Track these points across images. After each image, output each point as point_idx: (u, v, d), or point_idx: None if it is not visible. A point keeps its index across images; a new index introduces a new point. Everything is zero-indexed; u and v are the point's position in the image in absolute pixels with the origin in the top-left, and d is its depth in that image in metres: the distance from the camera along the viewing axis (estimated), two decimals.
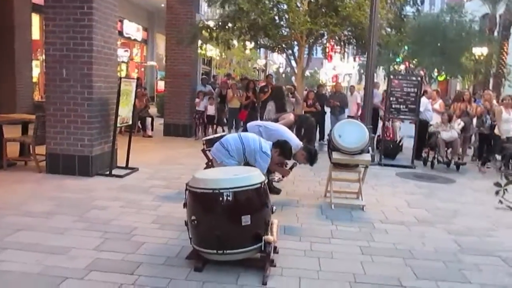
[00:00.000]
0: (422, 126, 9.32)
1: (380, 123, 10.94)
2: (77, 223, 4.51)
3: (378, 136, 10.68)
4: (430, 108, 9.97)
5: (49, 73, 6.54)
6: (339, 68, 53.85)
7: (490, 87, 21.29)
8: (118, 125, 6.84)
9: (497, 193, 2.10)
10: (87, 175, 6.46)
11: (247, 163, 4.58)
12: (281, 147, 4.67)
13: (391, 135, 10.41)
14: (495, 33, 22.94)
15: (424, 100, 9.91)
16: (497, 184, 2.11)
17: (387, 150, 9.69)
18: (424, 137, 9.25)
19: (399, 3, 11.17)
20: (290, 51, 11.97)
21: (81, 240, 4.05)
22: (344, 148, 5.47)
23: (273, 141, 4.81)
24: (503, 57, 21.26)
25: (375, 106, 11.07)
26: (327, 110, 11.82)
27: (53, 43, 6.43)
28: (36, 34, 13.82)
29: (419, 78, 9.59)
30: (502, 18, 22.04)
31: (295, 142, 5.32)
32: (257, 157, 4.48)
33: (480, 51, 21.28)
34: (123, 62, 19.56)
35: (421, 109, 9.61)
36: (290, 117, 6.81)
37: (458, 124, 9.42)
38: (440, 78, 26.66)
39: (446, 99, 22.26)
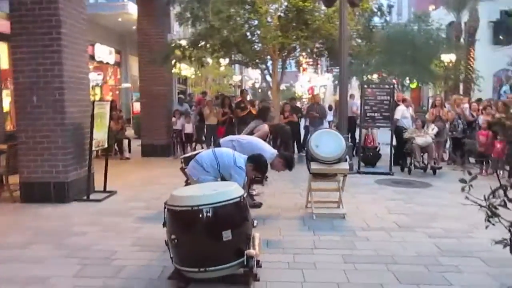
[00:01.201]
0: (400, 133, 9.54)
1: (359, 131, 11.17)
2: (55, 251, 4.41)
3: (357, 143, 10.82)
4: (408, 115, 10.20)
5: (19, 101, 6.43)
6: (314, 80, 54.52)
7: (461, 92, 21.88)
8: (94, 148, 6.76)
9: (463, 189, 2.15)
10: (64, 201, 6.33)
11: (223, 179, 4.57)
12: (256, 162, 4.59)
13: (372, 142, 10.57)
14: (462, 40, 23.67)
15: (401, 107, 10.19)
16: (462, 180, 2.16)
17: (367, 158, 9.84)
18: (403, 143, 9.43)
19: (367, 14, 11.44)
20: (264, 66, 12.10)
21: (60, 268, 3.95)
22: (322, 158, 5.52)
23: (247, 154, 4.81)
24: (471, 63, 21.92)
25: (354, 114, 11.33)
26: (305, 121, 11.97)
27: (22, 70, 6.33)
28: (4, 63, 13.58)
29: (391, 86, 9.80)
30: (467, 25, 22.77)
31: (269, 152, 5.33)
32: (232, 172, 4.45)
33: (448, 57, 21.88)
34: (97, 85, 19.37)
35: (398, 116, 9.84)
36: (265, 128, 6.83)
37: (432, 129, 9.62)
38: (412, 86, 27.26)
39: (420, 106, 22.82)
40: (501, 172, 8.46)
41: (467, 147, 8.45)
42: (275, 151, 5.41)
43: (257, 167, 4.60)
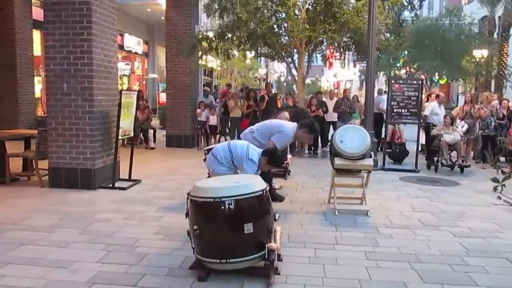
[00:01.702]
0: (429, 130, 9.38)
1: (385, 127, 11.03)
2: (80, 236, 4.50)
3: (383, 139, 10.65)
4: (439, 112, 9.82)
5: (50, 88, 6.57)
6: (340, 75, 53.91)
7: (492, 89, 21.26)
8: (120, 137, 6.85)
9: (495, 189, 2.08)
10: (90, 188, 6.47)
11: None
12: (270, 155, 4.55)
13: (399, 139, 10.56)
14: (495, 35, 22.95)
15: (432, 103, 9.97)
16: (495, 180, 2.09)
17: (394, 154, 9.71)
18: (431, 141, 9.24)
19: (397, 8, 11.19)
20: (290, 59, 12.02)
21: (84, 253, 4.03)
22: (346, 154, 5.44)
23: (269, 138, 4.79)
24: (504, 59, 21.24)
25: (381, 110, 11.11)
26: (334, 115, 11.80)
27: (54, 58, 6.47)
28: (37, 50, 13.92)
29: (419, 82, 9.58)
30: (501, 19, 22.05)
31: (290, 126, 5.31)
32: (244, 165, 4.45)
33: (480, 53, 21.28)
34: (124, 75, 19.68)
35: (427, 112, 9.65)
36: (285, 114, 6.76)
37: (462, 126, 9.39)
38: (442, 82, 26.65)
39: (449, 102, 22.30)
40: None
41: (500, 145, 8.21)
42: (295, 124, 5.36)
43: (271, 161, 4.54)
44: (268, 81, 22.16)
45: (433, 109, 9.82)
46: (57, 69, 6.46)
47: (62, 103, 6.48)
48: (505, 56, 21.12)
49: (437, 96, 10.39)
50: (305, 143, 5.38)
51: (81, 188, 6.46)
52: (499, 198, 2.03)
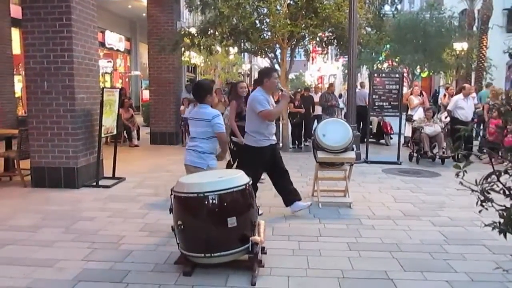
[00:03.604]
0: (454, 124, 8.73)
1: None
2: (64, 235, 4.49)
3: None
4: (464, 106, 9.29)
5: (30, 87, 6.50)
6: (324, 70, 54.15)
7: (472, 81, 21.62)
8: (103, 135, 6.83)
9: (457, 175, 2.17)
10: (73, 187, 6.43)
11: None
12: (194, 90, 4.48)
13: (391, 129, 11.14)
14: (474, 28, 23.31)
15: (456, 97, 9.54)
16: (456, 166, 2.18)
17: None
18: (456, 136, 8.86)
19: (377, 3, 11.29)
20: (272, 55, 12.04)
21: (69, 251, 4.03)
22: (329, 147, 5.52)
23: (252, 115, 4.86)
24: (483, 51, 21.57)
25: (366, 104, 11.26)
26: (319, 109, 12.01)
27: (33, 56, 6.40)
28: (16, 48, 13.71)
29: (398, 75, 9.71)
30: (480, 13, 22.37)
31: (253, 93, 5.15)
32: (214, 122, 4.23)
33: (460, 46, 21.58)
34: (106, 73, 19.49)
35: (451, 107, 9.40)
36: (232, 105, 6.30)
37: (445, 117, 9.56)
38: (423, 75, 26.99)
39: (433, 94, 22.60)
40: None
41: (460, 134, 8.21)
42: (258, 93, 5.02)
43: (203, 92, 4.38)
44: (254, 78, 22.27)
45: (456, 102, 9.33)
46: (37, 68, 6.40)
47: (43, 102, 6.42)
48: (485, 49, 21.46)
49: (463, 88, 9.75)
50: (275, 90, 5.24)
51: (64, 187, 6.42)
52: (461, 183, 2.13)
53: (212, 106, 4.53)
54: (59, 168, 6.46)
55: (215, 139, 4.33)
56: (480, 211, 2.27)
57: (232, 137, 6.10)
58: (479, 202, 2.20)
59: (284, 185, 5.24)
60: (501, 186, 2.12)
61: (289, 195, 5.21)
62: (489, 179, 2.11)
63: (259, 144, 4.94)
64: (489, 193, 2.14)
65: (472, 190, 2.20)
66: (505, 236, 2.17)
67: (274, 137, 5.13)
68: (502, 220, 2.17)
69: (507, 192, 2.10)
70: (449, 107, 9.58)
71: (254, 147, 4.96)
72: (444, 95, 10.43)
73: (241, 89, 6.39)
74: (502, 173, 2.15)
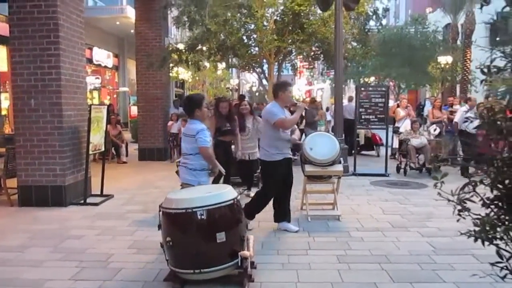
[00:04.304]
0: (461, 137, 8.80)
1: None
2: (52, 254, 4.44)
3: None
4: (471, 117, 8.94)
5: (17, 104, 6.47)
6: (312, 84, 54.57)
7: (457, 94, 22.00)
8: (91, 152, 6.80)
9: (435, 186, 2.22)
10: (61, 205, 6.37)
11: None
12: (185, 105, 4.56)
13: (379, 140, 11.59)
14: (458, 42, 23.81)
15: (463, 108, 9.43)
16: (435, 178, 2.24)
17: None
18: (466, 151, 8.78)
19: (362, 18, 11.52)
20: (260, 70, 12.17)
21: (57, 271, 3.98)
22: (316, 161, 5.55)
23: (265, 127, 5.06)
24: (467, 64, 22.01)
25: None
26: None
27: (21, 73, 6.38)
28: (3, 66, 13.62)
29: (385, 89, 9.86)
30: (463, 27, 22.89)
31: (267, 107, 5.38)
32: (197, 137, 4.22)
33: (445, 59, 22.02)
34: (95, 89, 19.43)
35: (458, 119, 9.16)
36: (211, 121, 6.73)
37: (434, 129, 9.69)
38: (410, 88, 27.40)
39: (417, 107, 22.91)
40: None
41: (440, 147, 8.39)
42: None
43: (191, 106, 4.39)
44: (241, 92, 22.44)
45: (463, 114, 8.98)
46: (24, 85, 6.37)
47: (30, 120, 6.38)
48: (469, 62, 21.90)
49: (468, 100, 9.64)
50: (289, 103, 5.46)
51: (52, 205, 6.35)
52: (439, 194, 2.20)
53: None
54: (47, 186, 6.40)
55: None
56: (457, 220, 2.33)
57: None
58: (456, 212, 2.26)
59: (283, 203, 5.25)
60: (478, 196, 2.19)
61: (283, 215, 5.24)
62: (465, 189, 2.17)
63: (272, 158, 4.99)
64: (465, 202, 2.20)
65: (449, 200, 2.27)
66: (483, 243, 2.23)
67: (288, 151, 5.19)
68: (477, 229, 2.23)
69: (484, 202, 2.16)
70: (456, 119, 9.33)
71: (267, 162, 5.04)
72: (433, 107, 10.58)
73: (222, 109, 6.66)
74: (478, 183, 2.21)
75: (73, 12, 6.72)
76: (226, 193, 3.61)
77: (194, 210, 3.39)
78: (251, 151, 7.01)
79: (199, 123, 4.33)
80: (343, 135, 9.53)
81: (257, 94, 49.51)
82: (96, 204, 6.52)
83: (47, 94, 6.34)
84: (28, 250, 4.58)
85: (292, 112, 5.54)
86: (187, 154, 4.34)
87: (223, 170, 4.70)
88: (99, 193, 7.03)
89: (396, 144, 10.42)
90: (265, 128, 5.19)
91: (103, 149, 7.26)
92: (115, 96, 22.84)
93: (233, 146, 6.90)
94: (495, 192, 2.23)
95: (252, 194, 6.94)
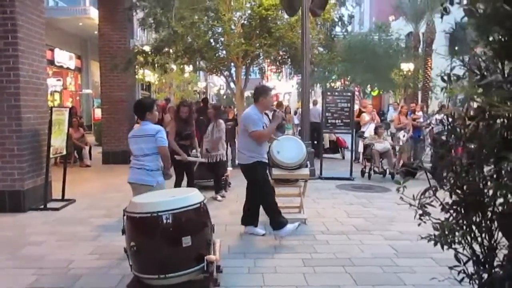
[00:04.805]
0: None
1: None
2: (9, 261, 4.27)
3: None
4: None
5: None
6: (279, 88, 55.00)
7: (419, 100, 22.70)
8: (51, 156, 6.60)
9: (398, 190, 2.28)
10: (19, 211, 6.13)
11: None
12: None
13: (344, 143, 12.13)
14: (420, 50, 24.59)
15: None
16: (397, 182, 2.30)
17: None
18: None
19: (329, 24, 11.69)
20: (227, 73, 12.14)
21: (14, 279, 3.83)
22: (283, 164, 5.58)
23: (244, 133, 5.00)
24: (428, 72, 22.77)
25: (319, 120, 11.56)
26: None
27: None
28: None
29: (349, 94, 10.04)
30: (424, 36, 23.67)
31: (246, 111, 5.31)
32: (157, 137, 4.25)
33: (407, 66, 22.69)
34: (56, 91, 18.86)
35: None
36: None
37: (403, 136, 9.91)
38: (374, 93, 28.06)
39: (383, 112, 23.50)
40: None
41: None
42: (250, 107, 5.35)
43: (142, 110, 4.40)
44: (205, 96, 22.36)
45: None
46: None
47: None
48: (429, 70, 22.67)
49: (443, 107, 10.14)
50: (269, 109, 5.43)
51: (10, 211, 6.11)
52: (401, 198, 2.25)
53: (165, 125, 4.54)
54: (3, 191, 6.15)
55: (158, 156, 4.33)
56: (419, 225, 2.40)
57: (175, 156, 6.11)
58: (418, 216, 2.33)
59: (254, 207, 5.24)
60: (438, 200, 2.26)
61: (251, 219, 5.23)
62: (426, 194, 2.23)
63: (250, 161, 4.97)
64: (426, 207, 2.27)
65: (410, 205, 2.33)
66: (442, 247, 2.30)
67: (265, 156, 5.19)
68: (437, 233, 2.30)
69: (444, 207, 2.23)
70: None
71: (245, 165, 5.02)
72: (399, 113, 10.78)
73: (182, 113, 6.66)
74: (438, 188, 2.28)
75: (33, 12, 6.51)
76: (192, 196, 3.57)
77: (159, 214, 3.33)
78: (214, 153, 7.15)
79: (152, 124, 4.35)
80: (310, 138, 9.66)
81: (224, 97, 49.47)
82: (57, 209, 6.32)
83: (5, 96, 6.11)
84: None
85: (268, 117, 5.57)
86: (143, 155, 4.29)
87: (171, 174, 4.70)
88: (60, 197, 6.82)
89: (361, 148, 10.62)
90: (243, 132, 5.12)
91: (64, 152, 7.06)
92: (78, 98, 22.25)
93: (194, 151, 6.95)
94: (454, 197, 2.30)
95: (219, 198, 6.94)
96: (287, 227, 4.95)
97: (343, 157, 12.68)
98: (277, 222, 4.95)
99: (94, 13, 14.63)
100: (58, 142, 6.71)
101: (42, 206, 6.35)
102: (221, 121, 7.43)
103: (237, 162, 5.10)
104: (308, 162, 6.12)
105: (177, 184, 6.41)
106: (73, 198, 6.90)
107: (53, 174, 6.99)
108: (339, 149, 12.98)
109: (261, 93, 5.11)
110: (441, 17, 2.43)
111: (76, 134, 11.22)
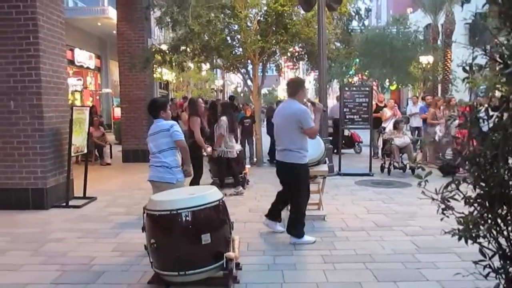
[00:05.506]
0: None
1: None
2: (32, 258, 4.36)
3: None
4: None
5: None
6: None
7: (439, 93, 22.32)
8: (73, 154, 6.70)
9: (419, 184, 2.24)
10: (42, 208, 6.26)
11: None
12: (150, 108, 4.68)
13: (358, 138, 12.46)
14: (439, 42, 24.15)
15: None
16: (418, 176, 2.25)
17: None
18: None
19: (345, 19, 11.56)
20: (244, 70, 12.12)
21: (38, 275, 3.90)
22: None
23: (295, 128, 4.66)
24: (448, 64, 22.36)
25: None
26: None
27: None
28: None
29: (367, 89, 9.93)
30: (443, 27, 23.24)
31: (294, 106, 4.96)
32: (172, 131, 4.36)
33: (426, 59, 22.30)
34: (76, 91, 19.16)
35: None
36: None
37: (440, 130, 9.67)
38: (392, 88, 27.70)
39: (402, 106, 23.22)
40: None
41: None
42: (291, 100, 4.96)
43: (156, 108, 4.56)
44: (230, 94, 22.38)
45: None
46: (3, 87, 6.25)
47: (10, 122, 6.26)
48: (449, 62, 22.25)
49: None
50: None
51: (33, 208, 6.24)
52: (423, 193, 2.21)
53: (183, 123, 4.61)
54: (27, 189, 6.28)
55: (176, 151, 4.41)
56: (441, 219, 2.34)
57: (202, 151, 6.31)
58: (440, 211, 2.27)
59: (283, 205, 5.19)
60: (461, 194, 2.20)
61: (276, 215, 5.17)
62: (449, 188, 2.18)
63: (303, 160, 4.71)
64: (449, 201, 2.22)
65: (433, 199, 2.28)
66: (466, 242, 2.25)
67: None
68: (461, 227, 2.25)
69: (467, 200, 2.18)
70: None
71: (296, 164, 4.68)
72: (436, 107, 10.53)
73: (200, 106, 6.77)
74: (461, 182, 2.23)
75: (53, 13, 6.62)
76: (211, 194, 3.58)
77: (178, 211, 3.36)
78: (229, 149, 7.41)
79: (165, 120, 4.47)
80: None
81: (242, 94, 49.51)
82: (78, 207, 6.43)
83: (27, 95, 6.23)
84: (7, 253, 4.48)
85: None
86: (159, 151, 4.36)
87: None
88: (81, 195, 6.93)
89: (380, 144, 10.52)
90: (295, 129, 4.63)
91: (85, 151, 7.17)
92: (97, 97, 22.56)
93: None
94: (478, 190, 2.25)
95: (233, 192, 7.04)
96: (304, 238, 4.75)
97: (360, 152, 12.89)
98: (298, 230, 4.76)
99: (112, 13, 14.82)
100: (79, 140, 6.82)
101: (64, 204, 6.47)
102: (223, 117, 7.46)
103: (276, 159, 4.79)
104: (326, 159, 6.08)
105: (195, 182, 6.41)
106: (95, 195, 7.01)
107: (75, 172, 7.11)
108: (354, 144, 13.08)
109: (299, 85, 4.89)
110: (461, 5, 2.37)
111: (97, 133, 11.38)
